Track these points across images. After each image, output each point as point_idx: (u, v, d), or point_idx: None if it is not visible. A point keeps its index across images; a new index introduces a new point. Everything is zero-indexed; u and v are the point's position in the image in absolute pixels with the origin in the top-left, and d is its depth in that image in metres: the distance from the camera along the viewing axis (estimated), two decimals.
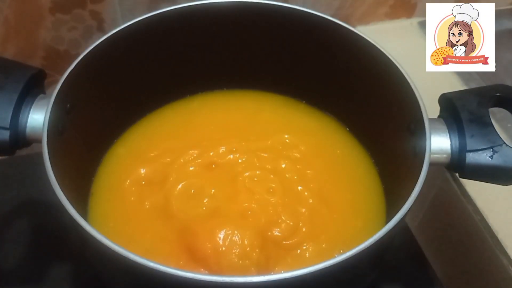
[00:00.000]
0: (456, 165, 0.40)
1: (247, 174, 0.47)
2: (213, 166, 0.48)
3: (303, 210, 0.45)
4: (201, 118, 0.53)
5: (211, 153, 0.48)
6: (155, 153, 0.49)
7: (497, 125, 0.45)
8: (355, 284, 0.40)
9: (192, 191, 0.46)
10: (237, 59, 0.53)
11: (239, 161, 0.48)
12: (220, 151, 0.48)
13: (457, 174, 0.42)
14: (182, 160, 0.47)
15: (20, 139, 0.40)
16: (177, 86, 0.53)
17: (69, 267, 0.50)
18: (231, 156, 0.48)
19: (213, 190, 0.46)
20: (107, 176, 0.48)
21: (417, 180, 0.36)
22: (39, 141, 0.38)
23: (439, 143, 0.40)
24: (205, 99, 0.54)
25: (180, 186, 0.46)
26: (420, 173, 0.37)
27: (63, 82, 0.40)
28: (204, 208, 0.45)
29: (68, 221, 0.34)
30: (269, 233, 0.43)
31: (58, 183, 0.35)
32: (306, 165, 0.48)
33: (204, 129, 0.51)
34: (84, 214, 0.45)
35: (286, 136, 0.51)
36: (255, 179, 0.47)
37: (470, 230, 0.53)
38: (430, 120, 0.40)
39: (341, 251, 0.42)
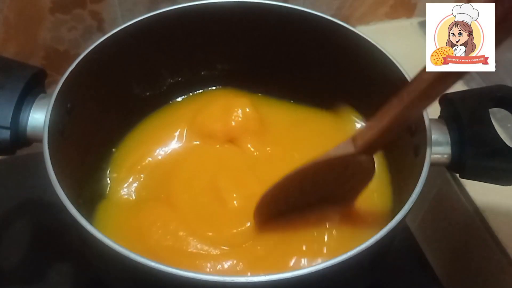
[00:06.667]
0: (457, 166, 0.40)
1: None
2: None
3: None
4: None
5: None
6: (157, 152, 0.49)
7: (497, 125, 0.45)
8: (356, 284, 0.40)
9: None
10: (236, 58, 0.53)
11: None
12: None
13: (457, 174, 0.42)
14: (185, 157, 0.48)
15: (21, 139, 0.40)
16: (178, 85, 0.53)
17: (69, 267, 0.50)
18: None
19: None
20: (110, 175, 0.48)
21: (418, 181, 0.36)
22: (39, 140, 0.38)
23: (440, 143, 0.40)
24: (206, 98, 0.54)
25: (184, 179, 0.46)
26: (420, 173, 0.37)
27: (64, 82, 0.40)
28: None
29: (69, 221, 0.34)
30: None
31: (58, 183, 0.35)
32: None
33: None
34: (86, 214, 0.44)
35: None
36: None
37: (470, 230, 0.53)
38: (431, 120, 0.40)
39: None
